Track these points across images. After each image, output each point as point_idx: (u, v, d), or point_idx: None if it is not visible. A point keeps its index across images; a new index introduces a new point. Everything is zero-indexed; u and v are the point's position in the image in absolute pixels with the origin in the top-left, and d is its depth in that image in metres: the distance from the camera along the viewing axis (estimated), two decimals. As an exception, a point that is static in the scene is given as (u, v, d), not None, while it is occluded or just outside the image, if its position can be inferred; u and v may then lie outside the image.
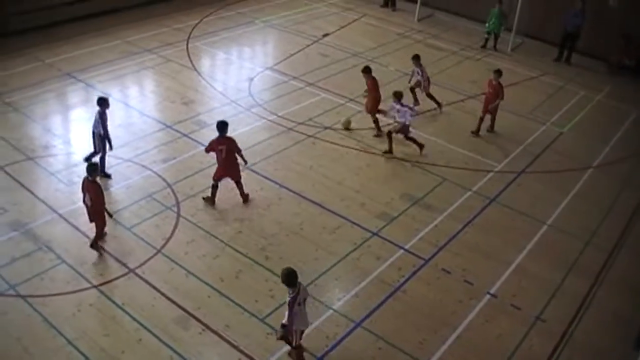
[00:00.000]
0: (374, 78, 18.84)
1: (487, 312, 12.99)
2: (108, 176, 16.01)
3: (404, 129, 17.90)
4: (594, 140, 20.10)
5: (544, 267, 14.39)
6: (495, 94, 18.80)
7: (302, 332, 11.03)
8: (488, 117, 19.34)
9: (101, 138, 15.76)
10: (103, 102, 15.72)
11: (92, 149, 16.09)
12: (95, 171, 13.44)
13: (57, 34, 24.05)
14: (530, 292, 13.62)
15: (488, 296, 13.38)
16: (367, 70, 18.92)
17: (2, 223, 14.31)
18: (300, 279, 10.85)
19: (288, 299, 10.54)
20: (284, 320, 10.70)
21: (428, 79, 20.31)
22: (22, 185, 15.61)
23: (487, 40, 26.61)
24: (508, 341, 12.36)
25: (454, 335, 12.36)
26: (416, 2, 29.16)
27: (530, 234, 15.46)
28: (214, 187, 15.32)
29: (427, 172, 17.40)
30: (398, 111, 17.75)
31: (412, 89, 20.42)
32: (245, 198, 15.60)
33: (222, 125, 14.96)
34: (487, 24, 26.45)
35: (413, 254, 14.36)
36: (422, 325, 12.51)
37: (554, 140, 19.80)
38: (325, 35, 26.37)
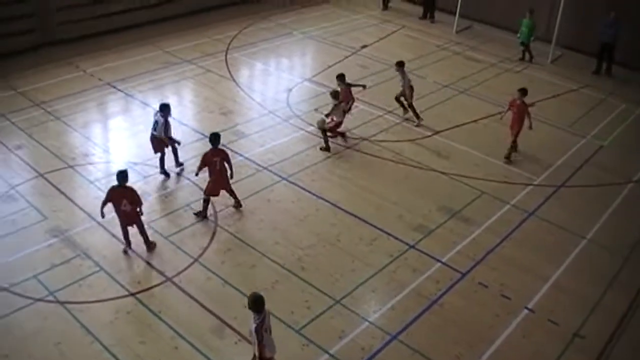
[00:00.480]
0: (348, 85, 19.13)
1: (524, 327, 12.82)
2: (168, 175, 16.87)
3: (336, 126, 18.55)
4: (635, 154, 19.74)
5: (583, 283, 14.18)
6: (519, 114, 18.10)
7: (271, 358, 10.42)
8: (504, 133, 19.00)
9: (160, 140, 16.37)
10: (166, 108, 16.34)
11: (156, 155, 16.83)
12: (127, 177, 13.67)
13: (99, 44, 24.44)
14: (569, 308, 13.42)
15: (525, 311, 13.21)
16: (341, 78, 19.13)
17: (43, 230, 14.53)
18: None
19: (253, 325, 10.06)
20: (255, 350, 10.13)
21: (411, 87, 20.10)
22: (62, 193, 15.84)
23: (524, 52, 26.38)
24: (545, 357, 12.18)
25: (491, 350, 12.21)
26: (455, 14, 29.05)
27: (569, 249, 15.25)
28: (206, 202, 15.28)
29: (465, 184, 17.28)
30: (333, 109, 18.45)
31: (397, 99, 20.42)
32: (239, 204, 15.66)
33: (216, 138, 15.03)
34: (518, 34, 26.24)
35: (450, 267, 14.25)
36: (458, 340, 12.40)
37: (594, 153, 19.53)
38: (364, 46, 26.38)
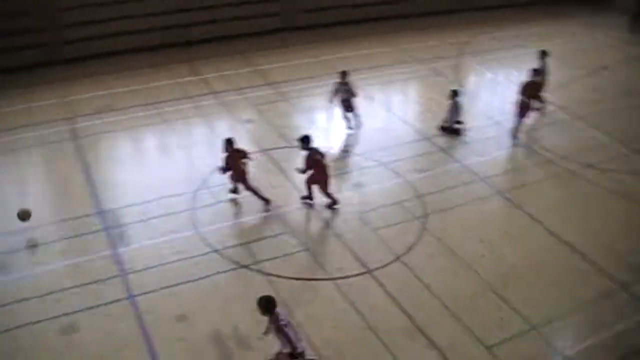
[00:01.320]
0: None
1: None
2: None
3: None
4: None
5: None
6: None
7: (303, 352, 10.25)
8: None
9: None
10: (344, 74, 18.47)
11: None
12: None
13: (336, 34, 25.22)
14: None
15: None
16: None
17: (258, 203, 15.23)
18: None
19: (273, 327, 9.92)
20: (286, 348, 9.93)
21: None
22: (282, 171, 16.48)
23: None
24: None
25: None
26: None
27: None
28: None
29: None
30: None
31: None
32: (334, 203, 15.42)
33: (309, 139, 14.86)
34: None
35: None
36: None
37: None
38: (604, 68, 25.06)
